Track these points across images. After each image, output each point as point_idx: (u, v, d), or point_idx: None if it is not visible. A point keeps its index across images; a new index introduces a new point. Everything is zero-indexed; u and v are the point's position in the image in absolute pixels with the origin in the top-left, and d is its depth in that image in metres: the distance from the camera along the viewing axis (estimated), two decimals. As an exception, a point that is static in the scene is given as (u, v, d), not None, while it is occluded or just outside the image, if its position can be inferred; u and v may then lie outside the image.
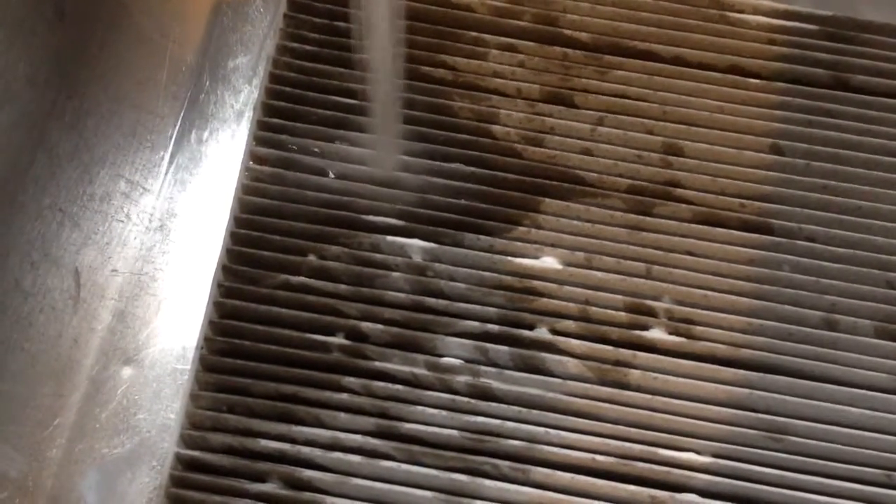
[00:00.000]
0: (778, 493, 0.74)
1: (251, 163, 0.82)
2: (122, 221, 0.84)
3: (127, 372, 0.80)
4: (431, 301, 0.78)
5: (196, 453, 0.73)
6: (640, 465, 0.75)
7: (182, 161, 0.87)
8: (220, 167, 0.87)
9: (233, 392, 0.75)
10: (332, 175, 0.82)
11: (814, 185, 0.83)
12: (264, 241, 0.80)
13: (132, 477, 0.77)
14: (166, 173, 0.87)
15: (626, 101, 0.85)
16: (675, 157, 0.84)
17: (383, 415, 0.75)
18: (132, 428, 0.79)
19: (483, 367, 0.77)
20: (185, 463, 0.73)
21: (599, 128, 0.84)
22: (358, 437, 0.74)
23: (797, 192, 0.83)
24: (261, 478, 0.73)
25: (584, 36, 0.88)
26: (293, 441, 0.74)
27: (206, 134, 0.89)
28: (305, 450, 0.74)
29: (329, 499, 0.73)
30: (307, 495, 0.73)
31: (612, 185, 0.83)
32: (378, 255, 0.80)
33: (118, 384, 0.80)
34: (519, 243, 0.80)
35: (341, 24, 0.86)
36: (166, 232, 0.85)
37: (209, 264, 0.81)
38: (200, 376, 0.75)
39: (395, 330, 0.77)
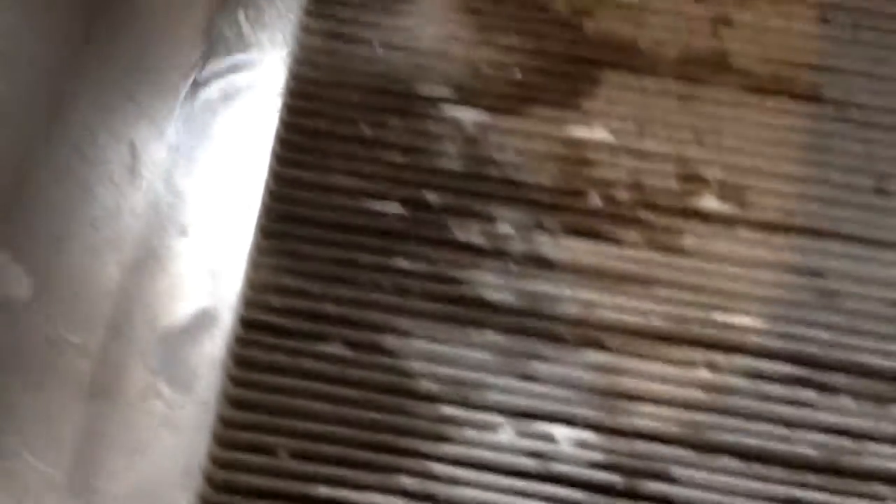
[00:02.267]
0: (831, 354, 0.75)
1: (303, 35, 0.82)
2: (175, 96, 0.85)
3: (184, 242, 0.81)
4: (485, 170, 0.79)
5: (259, 315, 0.75)
6: (694, 327, 0.76)
7: (234, 39, 0.87)
8: (274, 45, 0.87)
9: (293, 257, 0.76)
10: (378, 48, 0.82)
11: (862, 54, 0.83)
12: (318, 112, 0.80)
13: (193, 344, 0.79)
14: (219, 51, 0.87)
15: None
16: (724, 28, 0.83)
17: (439, 279, 0.76)
18: (192, 297, 0.80)
19: (537, 235, 0.78)
20: (249, 325, 0.75)
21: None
22: (416, 302, 0.75)
23: (845, 60, 0.83)
24: (323, 338, 0.74)
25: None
26: (353, 304, 0.75)
27: (255, 12, 0.89)
28: (365, 312, 0.75)
29: (389, 360, 0.74)
30: (369, 356, 0.74)
31: (663, 56, 0.83)
32: (431, 125, 0.80)
33: (176, 254, 0.81)
34: (570, 113, 0.81)
35: None
36: (220, 105, 0.85)
37: (264, 137, 0.82)
38: (261, 243, 0.76)
39: (449, 197, 0.78)
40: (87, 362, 0.77)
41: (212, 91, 0.86)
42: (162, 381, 0.78)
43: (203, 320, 0.79)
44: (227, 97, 0.86)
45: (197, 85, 0.86)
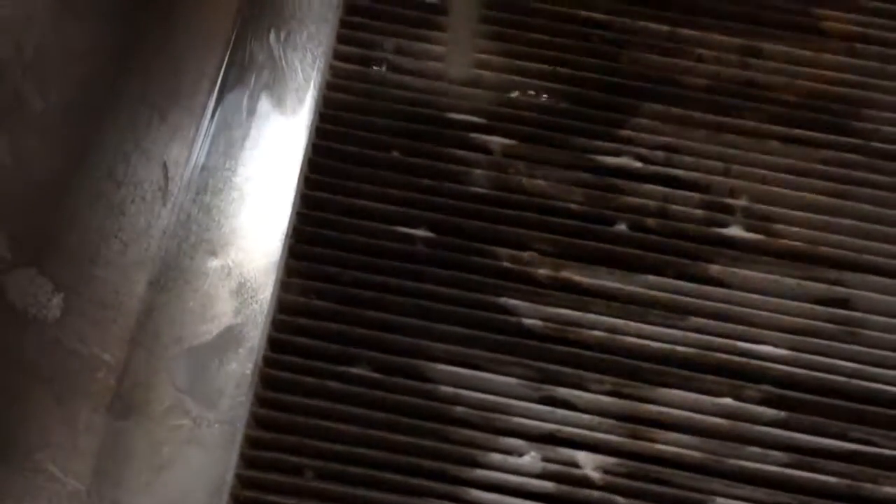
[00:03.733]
0: (854, 385, 0.76)
1: (335, 60, 0.83)
2: (205, 116, 0.85)
3: (213, 263, 0.82)
4: (513, 196, 0.80)
5: (288, 336, 0.75)
6: (719, 355, 0.76)
7: (264, 59, 0.88)
8: (304, 66, 0.88)
9: (322, 280, 0.77)
10: (409, 74, 0.83)
11: (890, 86, 0.84)
12: (349, 137, 0.81)
13: (220, 362, 0.79)
14: (248, 73, 0.88)
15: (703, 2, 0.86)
16: (753, 59, 0.84)
17: (467, 304, 0.77)
18: (219, 316, 0.81)
19: (564, 261, 0.78)
20: (277, 345, 0.75)
21: (678, 30, 0.85)
22: (444, 326, 0.76)
23: (874, 92, 0.84)
24: (351, 361, 0.75)
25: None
26: (381, 327, 0.75)
27: (286, 34, 0.89)
28: (393, 336, 0.75)
29: (416, 383, 0.75)
30: (396, 379, 0.74)
31: (692, 85, 0.83)
32: (460, 152, 0.81)
33: (205, 274, 0.82)
34: (599, 142, 0.81)
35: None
36: (249, 128, 0.86)
37: (293, 159, 0.82)
38: (290, 264, 0.77)
39: (476, 223, 0.79)
40: (115, 378, 0.78)
41: (242, 112, 0.87)
42: (188, 398, 0.78)
43: (230, 339, 0.80)
44: (257, 118, 0.86)
45: (228, 105, 0.86)
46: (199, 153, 0.84)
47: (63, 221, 0.74)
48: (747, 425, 0.75)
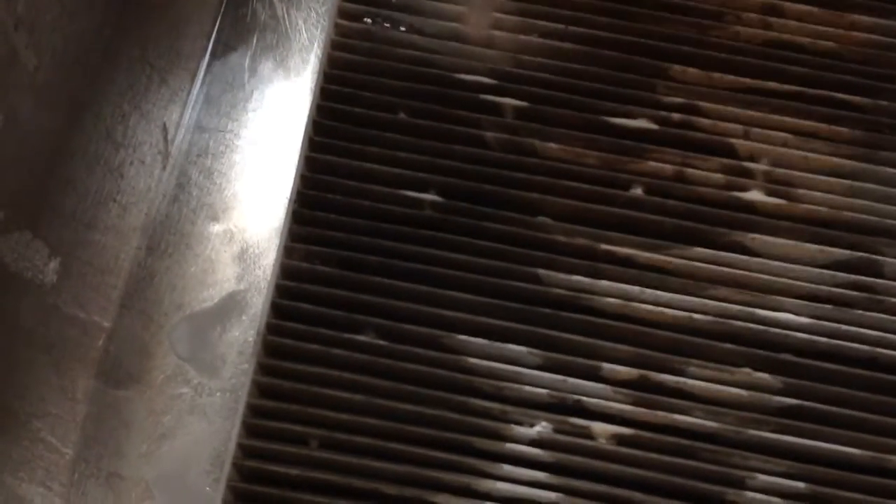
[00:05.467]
0: (877, 353, 0.73)
1: (340, 19, 0.81)
2: (206, 79, 0.83)
3: (215, 227, 0.80)
4: (525, 160, 0.77)
5: (291, 303, 0.73)
6: (737, 323, 0.74)
7: (266, 18, 0.86)
8: (308, 25, 0.85)
9: (326, 245, 0.74)
10: (417, 33, 0.80)
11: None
12: (354, 97, 0.78)
13: (222, 329, 0.77)
14: (250, 32, 0.85)
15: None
16: (774, 18, 0.81)
17: (476, 270, 0.74)
18: (221, 282, 0.78)
19: (578, 227, 0.76)
20: (280, 312, 0.73)
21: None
22: (452, 293, 0.73)
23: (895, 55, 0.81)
24: (356, 328, 0.72)
25: None
26: (387, 293, 0.73)
27: (290, -8, 0.87)
28: (399, 302, 0.73)
29: (423, 351, 0.72)
30: (403, 346, 0.72)
31: (711, 44, 0.80)
32: (470, 114, 0.78)
33: (206, 239, 0.79)
34: (612, 104, 0.79)
35: None
36: (252, 89, 0.83)
37: (297, 121, 0.80)
38: (294, 229, 0.75)
39: (487, 187, 0.76)
40: (114, 346, 0.76)
41: (244, 73, 0.84)
42: (189, 366, 0.76)
43: (232, 306, 0.78)
44: (260, 79, 0.84)
45: (229, 66, 0.84)
46: (199, 115, 0.81)
47: (59, 184, 0.72)
48: (766, 395, 0.72)
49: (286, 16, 0.86)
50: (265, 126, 0.83)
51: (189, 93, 0.82)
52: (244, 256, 0.79)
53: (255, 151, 0.82)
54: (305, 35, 0.85)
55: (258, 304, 0.76)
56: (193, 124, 0.82)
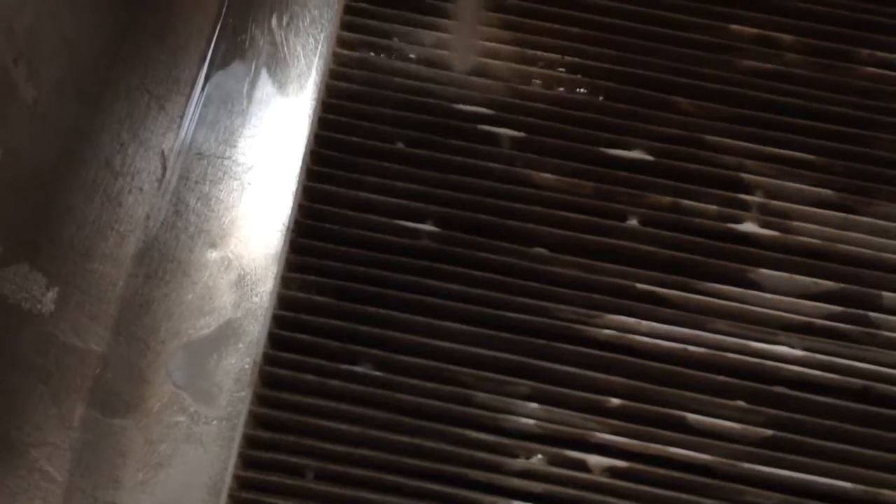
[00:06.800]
0: (871, 386, 0.73)
1: (338, 48, 0.81)
2: (204, 105, 0.83)
3: (212, 255, 0.80)
4: (520, 190, 0.77)
5: (288, 333, 0.73)
6: (732, 356, 0.74)
7: (265, 45, 0.86)
8: (306, 52, 0.86)
9: (323, 275, 0.75)
10: (416, 63, 0.80)
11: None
12: (353, 127, 0.79)
13: (219, 357, 0.77)
14: (249, 58, 0.85)
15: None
16: (772, 50, 0.82)
17: (472, 300, 0.74)
18: (218, 310, 0.78)
19: (572, 257, 0.76)
20: (277, 342, 0.73)
21: (693, 18, 0.82)
22: (449, 323, 0.74)
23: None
24: (353, 358, 0.73)
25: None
26: (384, 324, 0.73)
27: (288, 18, 0.87)
28: (396, 333, 0.73)
29: (420, 382, 0.72)
30: (399, 378, 0.72)
31: (707, 76, 0.81)
32: (467, 144, 0.78)
33: (204, 267, 0.79)
34: (609, 135, 0.79)
35: None
36: (250, 116, 0.83)
37: (295, 147, 0.80)
38: (291, 259, 0.75)
39: (483, 217, 0.76)
40: (111, 374, 0.76)
41: (243, 100, 0.84)
42: (186, 394, 0.76)
43: (229, 333, 0.78)
44: (258, 106, 0.84)
45: (228, 93, 0.84)
46: (197, 141, 0.82)
47: (58, 214, 0.72)
48: (760, 429, 0.72)
49: (284, 42, 0.86)
50: (263, 151, 0.83)
51: (187, 119, 0.82)
52: (241, 283, 0.79)
53: (253, 178, 0.82)
54: (304, 61, 0.85)
55: (255, 331, 0.76)
56: (191, 150, 0.82)
